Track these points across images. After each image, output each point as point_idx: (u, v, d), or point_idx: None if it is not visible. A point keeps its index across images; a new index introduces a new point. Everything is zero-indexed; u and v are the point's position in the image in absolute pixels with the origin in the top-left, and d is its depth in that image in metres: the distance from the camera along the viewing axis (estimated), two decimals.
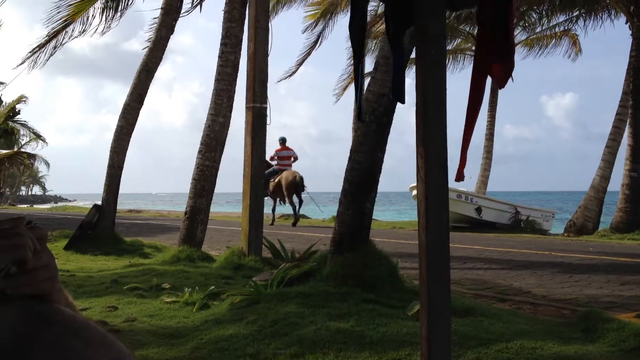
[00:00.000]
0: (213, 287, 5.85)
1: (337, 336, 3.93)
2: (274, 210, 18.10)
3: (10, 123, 22.48)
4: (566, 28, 20.40)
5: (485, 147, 22.44)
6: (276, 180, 16.91)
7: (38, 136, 26.32)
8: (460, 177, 2.80)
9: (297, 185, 16.60)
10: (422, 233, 2.53)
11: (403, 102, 2.89)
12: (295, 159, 17.82)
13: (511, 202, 20.67)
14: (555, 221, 21.42)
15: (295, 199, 16.87)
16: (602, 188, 16.96)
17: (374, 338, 3.91)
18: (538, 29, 20.76)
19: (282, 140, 17.70)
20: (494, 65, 2.76)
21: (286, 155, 17.50)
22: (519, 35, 21.63)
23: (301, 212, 18.58)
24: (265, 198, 15.30)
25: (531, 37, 21.71)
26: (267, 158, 15.25)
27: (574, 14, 18.54)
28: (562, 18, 19.35)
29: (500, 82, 2.78)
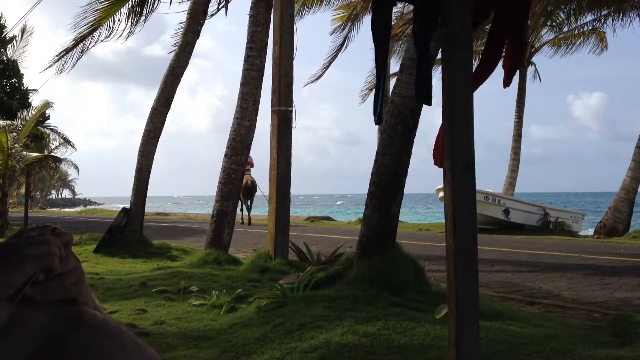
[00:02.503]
0: (240, 290, 5.88)
1: (364, 340, 3.91)
2: (241, 210, 20.14)
3: (40, 128, 22.84)
4: (594, 27, 20.13)
5: (512, 149, 22.18)
6: None
7: (67, 141, 26.67)
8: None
9: (249, 189, 18.86)
10: (450, 236, 2.50)
11: (429, 103, 2.86)
12: (253, 165, 19.80)
13: (540, 203, 20.42)
14: (585, 223, 21.12)
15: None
16: (632, 189, 16.67)
17: (401, 342, 3.89)
18: (565, 28, 20.51)
19: None
20: (505, 62, 2.75)
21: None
22: (546, 35, 21.41)
23: (327, 215, 18.92)
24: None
25: (559, 36, 21.45)
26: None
27: (602, 13, 18.27)
28: (590, 17, 19.10)
29: (505, 81, 2.76)
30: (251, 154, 9.21)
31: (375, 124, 2.90)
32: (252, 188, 19.01)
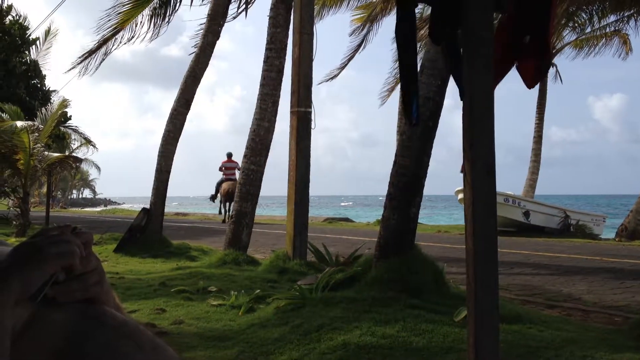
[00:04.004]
0: (259, 290, 5.89)
1: (382, 342, 3.90)
2: (227, 210, 21.87)
3: (62, 128, 23.05)
4: (617, 28, 19.91)
5: (533, 150, 21.99)
6: (220, 189, 21.58)
7: (88, 141, 26.85)
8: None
9: (229, 195, 20.51)
10: (470, 239, 2.49)
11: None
12: (239, 169, 20.30)
13: (560, 206, 20.23)
14: (606, 226, 20.88)
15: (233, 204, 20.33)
16: None
17: (420, 344, 3.88)
18: (588, 29, 20.30)
19: (229, 155, 21.88)
20: (526, 65, 2.72)
21: (230, 166, 21.62)
22: (568, 36, 21.21)
23: (345, 216, 19.62)
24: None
25: (580, 37, 21.25)
26: (218, 168, 21.78)
27: (625, 14, 18.06)
28: (612, 18, 18.89)
29: (530, 82, 2.73)
30: (270, 154, 9.23)
31: (413, 125, 2.89)
32: (232, 193, 20.29)
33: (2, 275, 0.67)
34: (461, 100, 2.57)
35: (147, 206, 10.96)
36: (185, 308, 5.43)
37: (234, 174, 21.46)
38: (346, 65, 21.02)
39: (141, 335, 0.73)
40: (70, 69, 12.59)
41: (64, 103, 17.11)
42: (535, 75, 2.73)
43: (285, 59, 9.21)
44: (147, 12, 11.86)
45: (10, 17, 22.00)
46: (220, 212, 23.38)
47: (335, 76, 21.42)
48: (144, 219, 10.67)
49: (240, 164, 21.46)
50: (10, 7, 21.75)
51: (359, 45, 20.24)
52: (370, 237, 10.63)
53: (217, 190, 21.80)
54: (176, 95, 11.06)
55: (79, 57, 12.33)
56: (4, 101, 17.33)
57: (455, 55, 2.80)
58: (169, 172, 11.04)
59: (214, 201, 22.52)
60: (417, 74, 2.84)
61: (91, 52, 12.24)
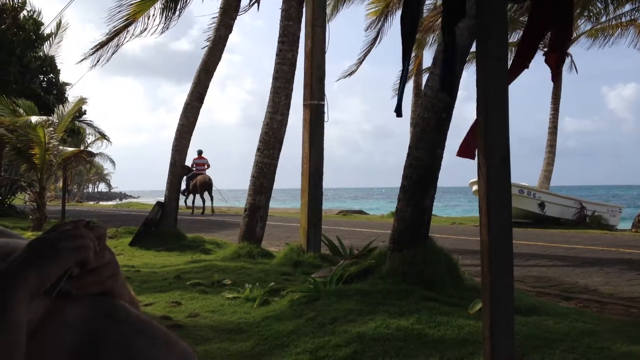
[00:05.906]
0: (273, 283, 5.91)
1: (397, 334, 3.90)
2: (193, 202, 23.70)
3: (77, 122, 23.21)
4: (632, 17, 19.67)
5: (548, 141, 21.81)
6: (194, 181, 22.72)
7: (103, 136, 27.05)
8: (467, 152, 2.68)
9: (206, 185, 22.50)
10: (484, 231, 2.48)
11: (449, 92, 2.85)
12: (208, 166, 23.76)
13: (576, 197, 20.09)
14: (622, 216, 20.71)
15: (207, 195, 22.99)
16: None
17: (435, 336, 3.87)
18: (603, 19, 20.07)
19: (199, 152, 23.66)
20: (550, 56, 2.71)
21: (201, 162, 23.46)
22: (583, 25, 20.99)
23: (349, 208, 23.73)
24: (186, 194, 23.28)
25: (595, 27, 21.02)
26: (189, 164, 20.84)
27: None
28: (627, 7, 18.68)
29: (554, 75, 2.71)
30: (283, 147, 9.25)
31: (397, 117, 2.87)
32: (208, 184, 22.50)
33: (17, 270, 0.67)
34: (442, 91, 2.58)
35: (162, 200, 11.02)
36: (200, 301, 5.46)
37: (204, 170, 23.25)
38: (363, 60, 20.92)
39: (154, 330, 0.73)
40: (82, 60, 12.61)
41: (82, 101, 17.18)
42: (558, 66, 2.72)
43: (297, 52, 9.20)
44: (158, 4, 11.87)
45: (24, 12, 22.11)
46: (186, 204, 24.35)
47: (353, 72, 21.35)
48: (159, 212, 10.72)
49: (209, 160, 23.33)
50: (24, 1, 21.85)
51: (375, 39, 20.10)
52: (384, 230, 10.61)
53: (187, 185, 22.73)
54: (189, 89, 11.07)
55: (91, 49, 12.36)
56: (20, 96, 17.45)
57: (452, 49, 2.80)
58: (182, 166, 11.08)
59: (185, 195, 23.47)
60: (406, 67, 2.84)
61: (103, 44, 12.27)
